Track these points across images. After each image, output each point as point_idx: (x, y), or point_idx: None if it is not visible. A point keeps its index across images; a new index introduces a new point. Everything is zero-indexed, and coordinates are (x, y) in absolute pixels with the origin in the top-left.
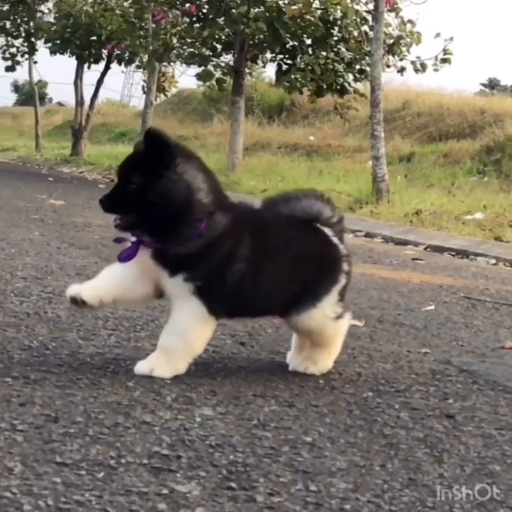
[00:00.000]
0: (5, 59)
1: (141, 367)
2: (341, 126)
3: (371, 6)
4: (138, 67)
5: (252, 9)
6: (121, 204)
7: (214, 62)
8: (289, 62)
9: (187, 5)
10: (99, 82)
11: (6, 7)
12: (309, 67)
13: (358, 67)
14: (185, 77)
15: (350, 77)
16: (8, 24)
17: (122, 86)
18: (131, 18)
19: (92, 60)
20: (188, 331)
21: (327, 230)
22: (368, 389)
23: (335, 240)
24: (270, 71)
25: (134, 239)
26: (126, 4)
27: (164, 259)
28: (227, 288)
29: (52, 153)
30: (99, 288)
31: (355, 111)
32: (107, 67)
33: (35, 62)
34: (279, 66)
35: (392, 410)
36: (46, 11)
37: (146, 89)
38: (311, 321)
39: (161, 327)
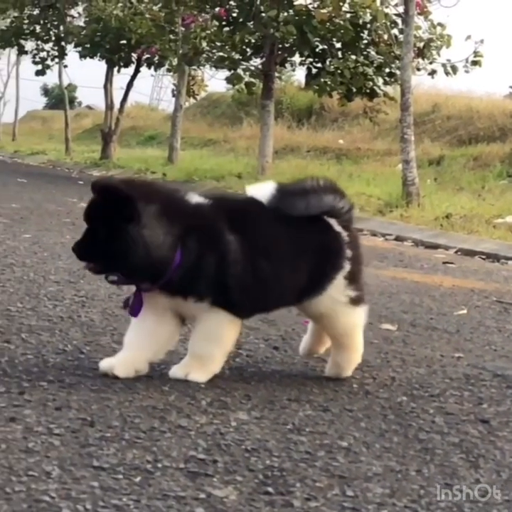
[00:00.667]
0: (35, 63)
1: (176, 371)
2: (371, 130)
3: (401, 10)
4: (168, 70)
5: (281, 13)
6: (93, 252)
7: (243, 66)
8: (318, 65)
9: (217, 9)
10: (129, 85)
11: (36, 11)
12: (339, 71)
13: (387, 70)
14: (214, 81)
15: (380, 80)
16: (38, 28)
17: (151, 89)
18: (161, 21)
19: (121, 64)
20: (218, 335)
21: (331, 220)
22: (402, 393)
23: (338, 228)
24: (299, 74)
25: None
26: (155, 8)
27: (169, 290)
28: (235, 291)
29: (82, 157)
30: (129, 359)
31: (384, 114)
32: (136, 71)
33: (65, 66)
34: (309, 70)
35: (426, 415)
36: (76, 15)
37: (175, 92)
38: (321, 307)
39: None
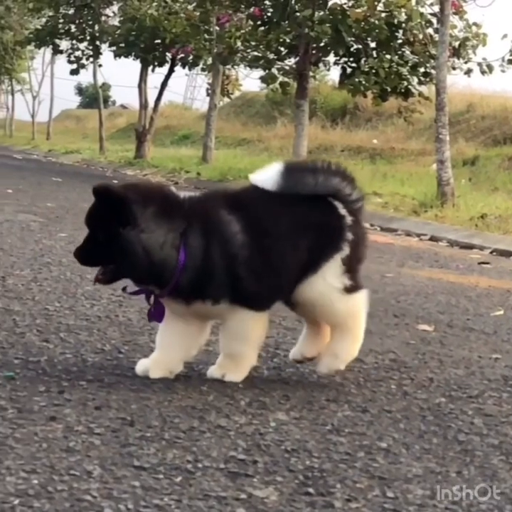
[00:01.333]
0: (70, 62)
1: (213, 371)
2: (405, 130)
3: (436, 9)
4: (202, 70)
5: (316, 12)
6: (94, 257)
7: (278, 66)
8: (353, 65)
9: (252, 8)
10: (163, 85)
11: (71, 11)
12: (373, 70)
13: (422, 70)
14: (248, 80)
15: (415, 80)
16: (73, 28)
17: (185, 88)
18: (196, 21)
19: (156, 63)
20: (245, 333)
21: (337, 203)
22: (441, 395)
23: (342, 211)
24: (334, 74)
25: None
26: (190, 7)
27: (181, 295)
28: (248, 280)
29: (116, 156)
30: (164, 362)
31: (419, 114)
32: (171, 70)
33: (100, 66)
34: (344, 69)
35: (465, 416)
36: (111, 14)
37: (210, 92)
38: (314, 290)
39: None
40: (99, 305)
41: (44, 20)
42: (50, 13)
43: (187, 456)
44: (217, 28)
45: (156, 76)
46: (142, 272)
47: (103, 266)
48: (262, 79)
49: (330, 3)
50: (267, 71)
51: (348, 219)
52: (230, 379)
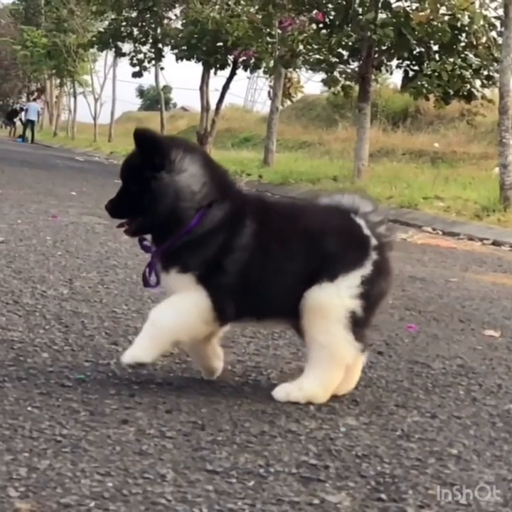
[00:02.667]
0: (133, 65)
1: (125, 356)
2: (466, 133)
3: (500, 12)
4: (264, 73)
5: (379, 15)
6: (124, 208)
7: (340, 69)
8: (415, 68)
9: (314, 11)
10: (225, 87)
11: (134, 14)
12: (436, 73)
13: (485, 73)
14: (309, 83)
15: (478, 83)
16: (135, 31)
17: (246, 91)
18: (258, 24)
19: (218, 66)
20: (184, 312)
21: (361, 221)
22: (510, 401)
23: (366, 231)
24: (395, 77)
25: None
26: (252, 10)
27: (164, 260)
28: (230, 278)
29: None
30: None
31: (482, 117)
32: (232, 73)
33: (162, 68)
34: (406, 72)
35: None
36: (173, 17)
37: (271, 95)
38: (322, 295)
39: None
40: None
41: (107, 23)
42: (113, 16)
43: (259, 460)
44: (279, 31)
45: (216, 79)
46: (164, 221)
47: (131, 218)
48: (324, 82)
49: (393, 6)
50: (329, 74)
51: (373, 240)
52: (140, 358)
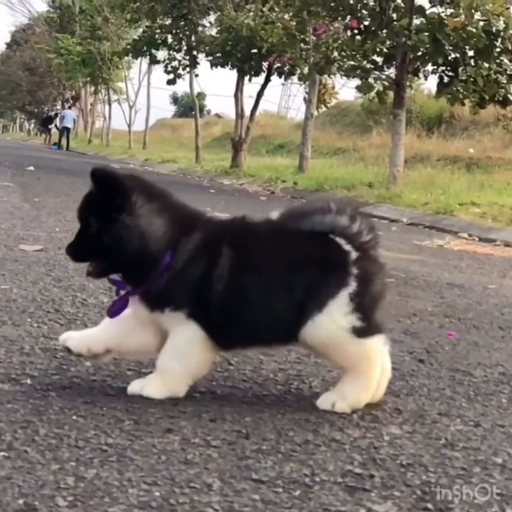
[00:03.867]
0: (167, 72)
1: (133, 385)
2: (501, 138)
3: None
4: (299, 79)
5: (413, 21)
6: (87, 251)
7: (375, 75)
8: (450, 74)
9: (348, 18)
10: (259, 94)
11: (168, 21)
12: (471, 79)
13: None
14: (343, 89)
15: None
16: (170, 38)
17: (280, 97)
18: (292, 30)
19: (252, 72)
20: (185, 352)
21: (339, 239)
22: None
23: (346, 247)
24: (429, 83)
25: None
26: (287, 17)
27: (149, 300)
28: (217, 309)
29: (212, 165)
30: (87, 337)
31: None
32: (267, 80)
33: (196, 75)
34: (441, 78)
35: None
36: (208, 24)
37: (306, 101)
38: (320, 330)
39: None
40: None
41: (141, 30)
42: (147, 24)
43: (304, 469)
44: (313, 37)
45: (250, 85)
46: (130, 263)
47: (94, 260)
48: (359, 88)
49: (427, 12)
50: (363, 80)
51: (353, 254)
52: (147, 393)
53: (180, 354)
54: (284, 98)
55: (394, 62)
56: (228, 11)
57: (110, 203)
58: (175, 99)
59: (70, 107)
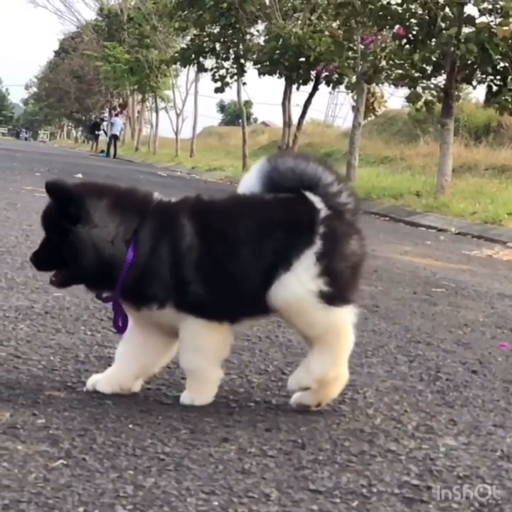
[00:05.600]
0: (215, 80)
1: (183, 397)
2: None
3: None
4: (346, 88)
5: (462, 30)
6: (48, 260)
7: (423, 84)
8: (499, 83)
9: (396, 27)
10: (307, 102)
11: (216, 30)
12: None
13: None
14: (390, 98)
15: None
16: (218, 46)
17: (326, 106)
18: (340, 39)
19: (300, 81)
20: (199, 343)
21: (312, 196)
22: None
23: (318, 205)
24: (477, 92)
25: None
26: (335, 25)
27: (130, 300)
28: (197, 286)
29: None
30: (115, 377)
31: None
32: (314, 89)
33: (244, 84)
34: (489, 87)
35: None
36: (256, 32)
37: (354, 110)
38: (287, 292)
39: (390, 353)
40: (259, 325)
41: (189, 38)
42: (195, 32)
43: (361, 480)
44: (361, 46)
45: (296, 94)
46: (93, 272)
47: (57, 269)
48: (407, 98)
49: (476, 21)
50: (411, 89)
51: (323, 212)
52: (200, 402)
53: (196, 349)
54: (330, 106)
55: (442, 71)
56: (276, 20)
57: (65, 214)
58: (222, 107)
59: (116, 115)
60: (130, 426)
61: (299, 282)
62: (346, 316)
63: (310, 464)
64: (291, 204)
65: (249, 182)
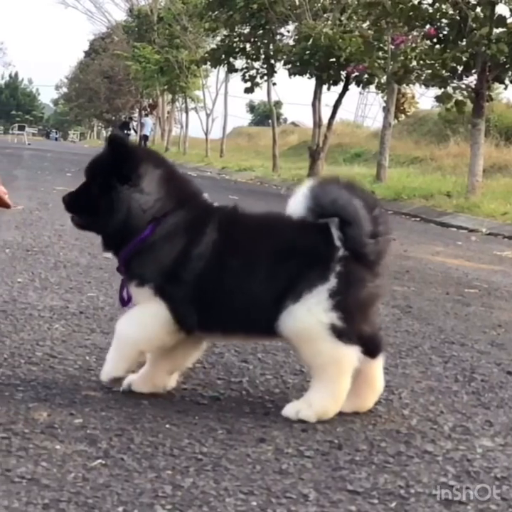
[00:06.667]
0: (245, 81)
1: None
2: None
3: None
4: (377, 88)
5: (493, 30)
6: (81, 206)
7: (454, 84)
8: None
9: (427, 27)
10: (337, 103)
11: (246, 30)
12: None
13: None
14: (420, 98)
15: None
16: (248, 47)
17: (356, 106)
18: (370, 39)
19: (331, 81)
20: (145, 324)
21: (334, 231)
22: None
23: (337, 242)
24: (509, 92)
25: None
26: (365, 25)
27: (125, 272)
28: (188, 288)
29: (289, 174)
30: (149, 376)
31: None
32: (345, 89)
33: (274, 84)
34: None
35: None
36: (286, 33)
37: (384, 110)
38: (296, 321)
39: (425, 354)
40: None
41: (219, 39)
42: (225, 33)
43: (398, 481)
44: (392, 46)
45: (326, 94)
46: (114, 230)
47: (85, 215)
48: (438, 98)
49: (508, 21)
50: (442, 90)
51: (341, 251)
52: (104, 372)
53: (139, 323)
54: (360, 106)
55: (473, 71)
56: (307, 20)
57: (117, 170)
58: (251, 108)
59: (146, 115)
60: (167, 426)
61: (309, 313)
62: (351, 356)
63: (347, 464)
64: (314, 236)
65: (293, 205)
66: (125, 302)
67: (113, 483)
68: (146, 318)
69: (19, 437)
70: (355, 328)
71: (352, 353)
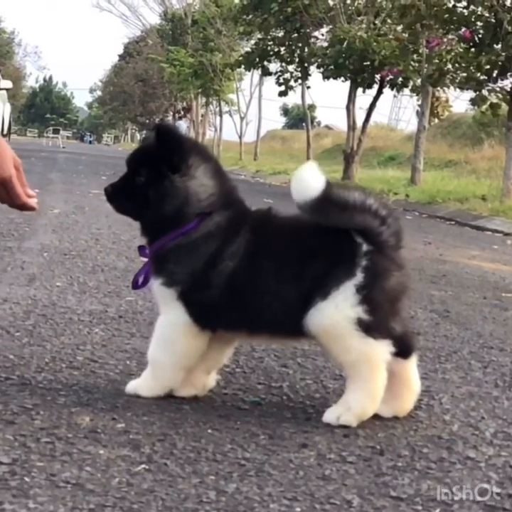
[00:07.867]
0: (279, 84)
1: (129, 385)
2: None
3: None
4: (411, 91)
5: None
6: (126, 197)
7: (489, 87)
8: None
9: (462, 30)
10: (372, 106)
11: (281, 33)
12: None
13: None
14: (455, 101)
15: None
16: (282, 50)
17: (390, 109)
18: (405, 43)
19: (365, 84)
20: (170, 339)
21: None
22: None
23: (358, 239)
24: None
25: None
26: (399, 29)
27: (155, 264)
28: (215, 291)
29: None
30: (188, 379)
31: None
32: (379, 92)
33: (308, 87)
34: None
35: None
36: (320, 36)
37: (419, 113)
38: (324, 318)
39: (464, 359)
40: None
41: (253, 42)
42: (260, 36)
43: (441, 487)
44: (426, 49)
45: (359, 97)
46: (160, 218)
47: (127, 206)
48: (473, 101)
49: None
50: (477, 93)
51: (364, 246)
52: (142, 392)
53: (166, 342)
54: (394, 109)
55: (509, 74)
56: (341, 24)
57: (167, 160)
58: (285, 111)
59: (180, 118)
60: (209, 431)
61: (337, 309)
62: (382, 351)
63: (390, 470)
64: (339, 235)
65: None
66: (137, 285)
67: (157, 488)
68: (171, 335)
69: (63, 442)
70: (384, 321)
71: (383, 348)
